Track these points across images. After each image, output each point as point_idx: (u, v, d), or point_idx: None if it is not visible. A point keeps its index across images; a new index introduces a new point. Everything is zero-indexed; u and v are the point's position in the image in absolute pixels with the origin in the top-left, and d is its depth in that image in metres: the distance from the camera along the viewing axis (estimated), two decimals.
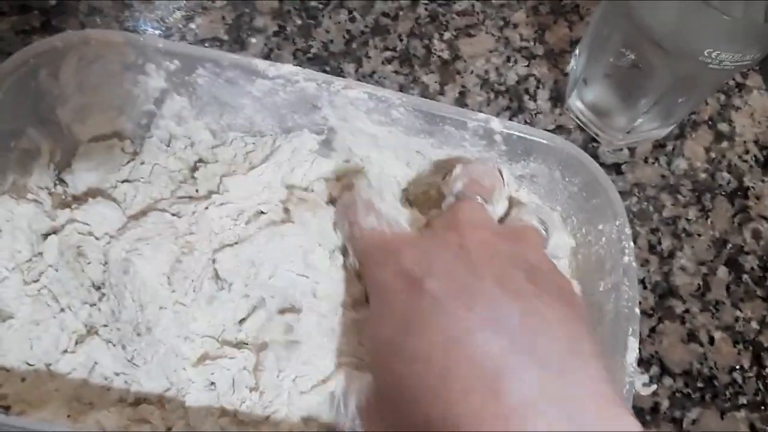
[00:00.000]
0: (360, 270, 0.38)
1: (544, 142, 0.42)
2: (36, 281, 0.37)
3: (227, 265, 0.38)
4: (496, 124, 0.41)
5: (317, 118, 0.42)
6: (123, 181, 0.41)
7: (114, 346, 0.37)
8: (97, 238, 0.38)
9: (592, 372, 0.29)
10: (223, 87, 0.40)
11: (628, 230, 0.41)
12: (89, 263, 0.38)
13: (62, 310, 0.37)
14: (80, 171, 0.41)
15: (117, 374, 0.37)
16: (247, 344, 0.38)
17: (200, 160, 0.42)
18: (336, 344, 0.37)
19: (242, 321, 0.38)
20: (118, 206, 0.40)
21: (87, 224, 0.38)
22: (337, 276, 0.39)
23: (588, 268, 0.42)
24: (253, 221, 0.40)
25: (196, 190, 0.41)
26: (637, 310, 0.39)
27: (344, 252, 0.40)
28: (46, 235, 0.38)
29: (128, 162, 0.42)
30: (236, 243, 0.39)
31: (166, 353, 0.37)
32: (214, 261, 0.38)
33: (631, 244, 0.40)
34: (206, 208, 0.39)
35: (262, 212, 0.40)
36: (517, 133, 0.42)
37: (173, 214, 0.39)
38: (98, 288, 0.38)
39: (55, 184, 0.41)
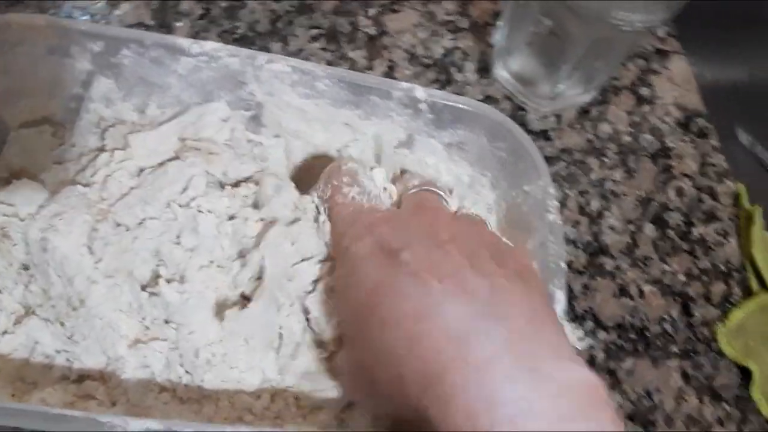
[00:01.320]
0: (332, 236, 0.39)
1: (468, 108, 0.44)
2: None
3: (129, 220, 0.39)
4: (420, 92, 0.43)
5: (244, 93, 0.43)
6: (54, 164, 0.42)
7: (52, 323, 0.38)
8: (21, 220, 0.39)
9: (552, 336, 0.32)
10: (149, 67, 0.41)
11: (551, 190, 0.43)
12: (15, 245, 0.39)
13: None
14: (11, 156, 0.42)
15: (58, 352, 0.39)
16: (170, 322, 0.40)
17: (113, 125, 0.43)
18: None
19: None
20: (42, 187, 0.41)
21: (11, 205, 0.39)
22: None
23: (517, 228, 0.44)
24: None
25: (104, 147, 0.42)
26: (563, 264, 0.41)
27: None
28: None
29: (59, 146, 0.43)
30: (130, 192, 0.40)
31: (103, 328, 0.38)
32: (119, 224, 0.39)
33: (555, 202, 0.43)
34: (110, 173, 0.40)
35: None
36: (441, 101, 0.44)
37: (85, 185, 0.40)
38: (26, 269, 0.39)
39: None
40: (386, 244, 0.35)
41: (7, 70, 0.40)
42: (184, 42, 0.40)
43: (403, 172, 0.45)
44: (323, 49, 0.55)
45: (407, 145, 0.46)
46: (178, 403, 0.39)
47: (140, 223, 0.40)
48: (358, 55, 0.55)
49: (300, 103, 0.43)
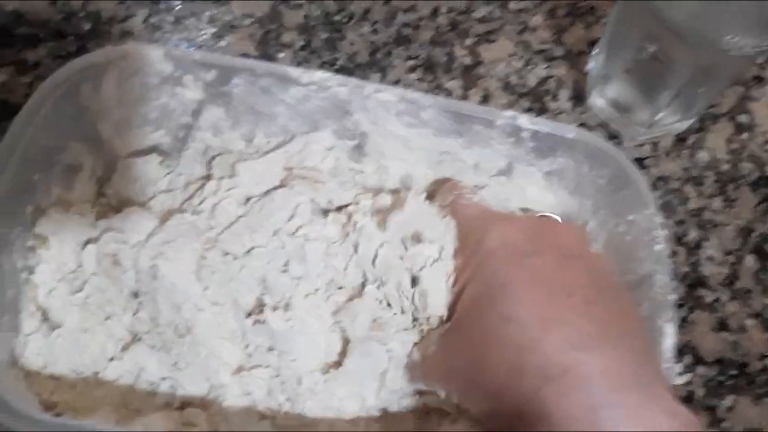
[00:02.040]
0: (458, 233, 0.38)
1: (571, 136, 0.41)
2: (80, 291, 0.37)
3: (237, 248, 0.38)
4: (524, 120, 0.41)
5: (349, 123, 0.41)
6: (161, 192, 0.41)
7: (158, 351, 0.37)
8: (131, 247, 0.38)
9: (660, 371, 0.34)
10: (258, 96, 0.40)
11: (658, 219, 0.40)
12: (125, 272, 0.37)
13: (107, 318, 0.37)
14: (120, 186, 0.41)
15: (163, 379, 0.37)
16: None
17: (220, 154, 0.42)
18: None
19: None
20: (151, 215, 0.40)
21: (122, 233, 0.38)
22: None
23: (620, 259, 0.41)
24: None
25: (210, 176, 0.41)
26: (672, 297, 0.38)
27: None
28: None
29: (166, 175, 0.42)
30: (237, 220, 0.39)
31: (207, 355, 0.36)
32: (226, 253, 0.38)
33: (663, 232, 0.40)
34: (218, 202, 0.39)
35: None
36: (544, 129, 0.41)
37: (192, 213, 0.39)
38: (136, 296, 0.38)
39: (97, 198, 0.41)
40: (519, 246, 0.34)
41: (122, 100, 0.39)
42: (294, 71, 0.39)
43: None
44: (420, 79, 0.53)
45: (506, 173, 0.44)
46: None
47: (248, 252, 0.39)
48: (454, 84, 0.53)
49: (404, 132, 0.41)
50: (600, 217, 0.43)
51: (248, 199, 0.40)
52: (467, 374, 0.33)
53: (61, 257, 0.37)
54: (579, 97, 0.54)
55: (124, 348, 0.37)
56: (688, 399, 0.44)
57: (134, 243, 0.38)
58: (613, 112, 0.52)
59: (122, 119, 0.40)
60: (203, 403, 0.37)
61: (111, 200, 0.41)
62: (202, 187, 0.41)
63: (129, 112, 0.40)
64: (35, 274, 0.36)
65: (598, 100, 0.52)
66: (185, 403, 0.37)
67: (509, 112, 0.41)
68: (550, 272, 0.33)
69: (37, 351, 0.36)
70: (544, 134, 0.41)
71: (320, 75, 0.39)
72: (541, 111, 0.53)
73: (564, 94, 0.54)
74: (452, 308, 0.37)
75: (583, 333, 0.31)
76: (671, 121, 0.51)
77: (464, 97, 0.53)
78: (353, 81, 0.39)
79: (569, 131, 0.41)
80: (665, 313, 0.38)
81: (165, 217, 0.39)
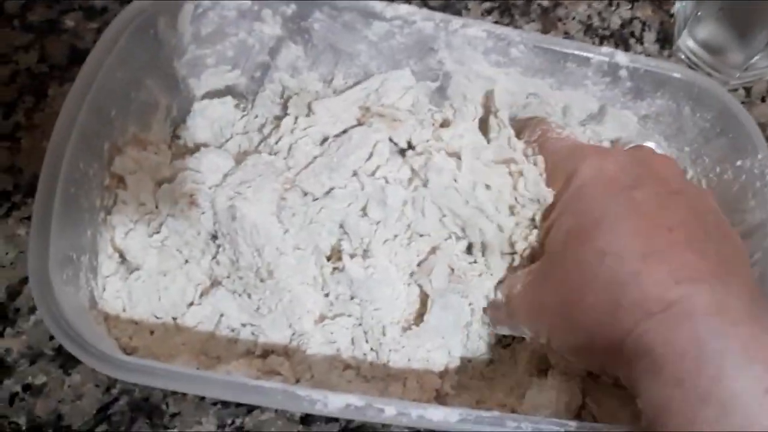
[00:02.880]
0: (548, 165, 0.35)
1: (676, 75, 0.37)
2: (158, 233, 0.35)
3: (316, 189, 0.35)
4: (622, 57, 0.37)
5: (433, 62, 0.38)
6: (237, 134, 0.39)
7: (239, 295, 0.35)
8: (208, 188, 0.35)
9: None
10: (339, 32, 0.36)
11: None
12: (203, 213, 0.35)
13: (186, 261, 0.35)
14: (194, 128, 0.38)
15: (243, 325, 0.35)
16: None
17: (296, 93, 0.39)
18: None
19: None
20: (228, 155, 0.37)
21: (198, 172, 0.35)
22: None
23: (727, 207, 0.37)
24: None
25: (286, 114, 0.38)
26: None
27: None
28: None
29: (242, 117, 0.39)
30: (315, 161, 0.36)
31: (291, 301, 0.34)
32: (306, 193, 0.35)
33: None
34: (295, 141, 0.36)
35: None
36: (644, 67, 0.37)
37: (269, 154, 0.37)
38: (214, 238, 0.35)
39: (172, 140, 0.38)
40: (615, 178, 0.32)
41: (198, 35, 0.36)
42: (378, 5, 0.35)
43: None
44: (496, 22, 0.49)
45: (597, 117, 0.40)
46: (363, 382, 0.35)
47: (327, 193, 0.36)
48: (532, 28, 0.49)
49: (490, 72, 0.38)
50: (701, 165, 0.40)
51: (325, 139, 0.37)
52: (559, 311, 0.31)
53: (137, 198, 0.34)
54: (666, 40, 0.50)
55: (204, 293, 0.35)
56: None
57: (211, 183, 0.35)
58: (704, 54, 0.48)
59: (198, 57, 0.37)
60: (286, 351, 0.34)
61: (186, 143, 0.38)
62: (277, 126, 0.38)
63: (205, 49, 0.37)
64: (112, 214, 0.34)
65: (688, 42, 0.48)
66: (267, 351, 0.35)
67: (606, 49, 0.37)
68: (650, 206, 0.30)
69: (116, 294, 0.33)
70: (644, 73, 0.38)
71: (406, 8, 0.35)
72: None
73: (649, 37, 0.50)
74: (541, 244, 0.34)
75: (687, 267, 0.28)
76: (766, 64, 0.47)
77: None
78: (439, 15, 0.36)
79: (674, 69, 0.37)
80: None
81: (241, 158, 0.36)
